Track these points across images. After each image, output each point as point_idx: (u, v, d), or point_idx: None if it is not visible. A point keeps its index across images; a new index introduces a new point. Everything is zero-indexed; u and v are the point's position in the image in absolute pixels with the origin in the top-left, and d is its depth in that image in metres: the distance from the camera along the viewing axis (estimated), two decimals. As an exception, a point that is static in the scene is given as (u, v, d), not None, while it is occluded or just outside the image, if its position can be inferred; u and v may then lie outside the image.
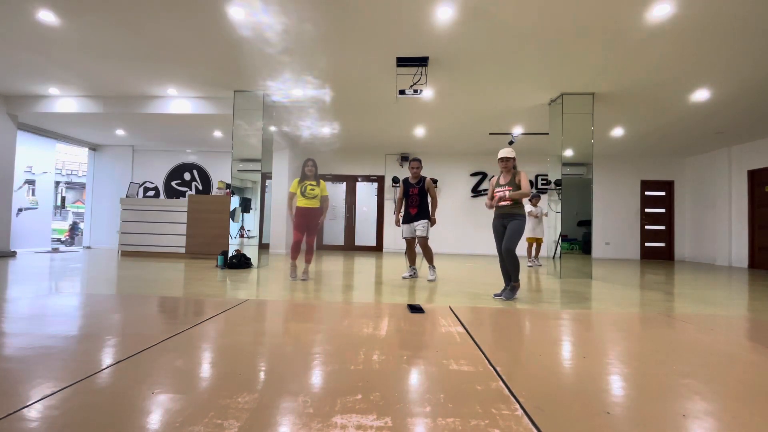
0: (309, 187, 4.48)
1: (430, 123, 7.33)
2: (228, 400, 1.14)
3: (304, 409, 1.10)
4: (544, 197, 9.46)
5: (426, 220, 4.68)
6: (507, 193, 3.64)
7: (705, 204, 9.20)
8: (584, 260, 5.60)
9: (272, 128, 6.49)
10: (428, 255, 4.78)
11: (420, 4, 3.57)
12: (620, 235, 9.88)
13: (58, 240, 12.41)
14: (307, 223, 4.49)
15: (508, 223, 3.63)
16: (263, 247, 6.15)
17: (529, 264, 7.13)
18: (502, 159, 3.68)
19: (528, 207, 7.32)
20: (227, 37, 4.25)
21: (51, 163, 8.97)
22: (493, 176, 3.89)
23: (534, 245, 7.24)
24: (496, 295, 3.69)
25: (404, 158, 10.11)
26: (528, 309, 3.03)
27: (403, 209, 4.89)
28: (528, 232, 7.15)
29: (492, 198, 3.76)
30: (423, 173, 10.74)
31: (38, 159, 8.58)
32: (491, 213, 9.98)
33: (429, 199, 4.76)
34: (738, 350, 1.84)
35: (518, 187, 3.59)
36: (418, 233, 4.67)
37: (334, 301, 3.14)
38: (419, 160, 4.74)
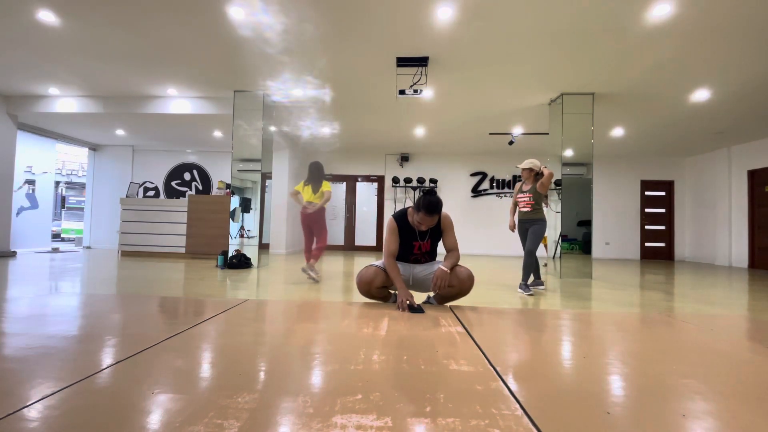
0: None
1: (430, 123, 7.33)
2: (228, 400, 1.14)
3: (304, 409, 1.10)
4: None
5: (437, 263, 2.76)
6: (529, 207, 4.07)
7: (705, 204, 9.20)
8: (584, 260, 5.60)
9: (272, 128, 6.49)
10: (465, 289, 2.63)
11: (420, 4, 3.57)
12: (620, 235, 9.88)
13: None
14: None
15: (529, 227, 4.03)
16: (263, 247, 6.15)
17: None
18: (521, 168, 4.14)
19: None
20: (227, 37, 4.25)
21: (51, 163, 8.97)
22: (519, 182, 4.28)
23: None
24: (531, 289, 3.91)
25: (404, 158, 10.09)
26: (528, 309, 3.03)
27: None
28: None
29: (515, 204, 4.28)
30: (419, 171, 10.60)
31: (38, 159, 8.58)
32: (490, 212, 10.00)
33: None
34: (738, 350, 1.84)
35: (538, 194, 4.01)
36: (438, 271, 2.51)
37: (334, 301, 3.13)
38: (438, 206, 2.47)
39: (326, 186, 4.61)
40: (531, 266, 3.92)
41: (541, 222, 4.01)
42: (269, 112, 6.17)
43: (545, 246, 7.24)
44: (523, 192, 4.13)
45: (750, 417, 1.13)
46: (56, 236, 13.04)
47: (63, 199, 16.08)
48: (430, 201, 2.45)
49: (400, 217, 2.66)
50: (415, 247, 2.68)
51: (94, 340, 1.74)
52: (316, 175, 4.66)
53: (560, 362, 1.59)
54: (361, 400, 1.17)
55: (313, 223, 4.58)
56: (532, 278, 4.17)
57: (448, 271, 2.52)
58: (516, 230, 4.29)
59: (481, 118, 6.92)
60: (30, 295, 3.05)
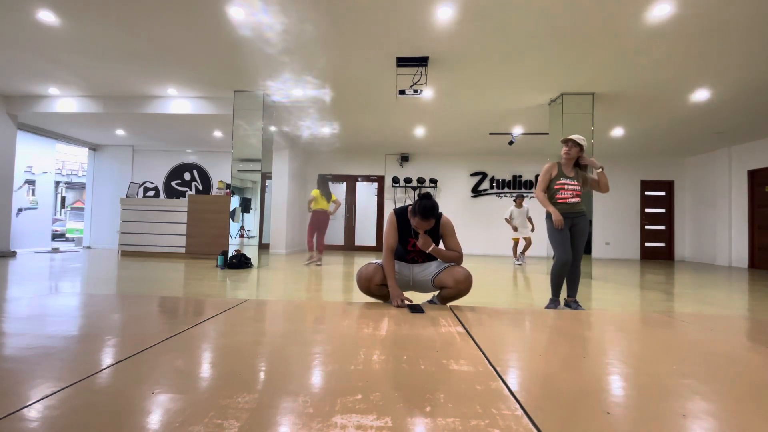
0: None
1: (430, 123, 7.33)
2: (228, 400, 1.14)
3: (304, 409, 1.10)
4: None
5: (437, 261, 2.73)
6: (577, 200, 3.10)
7: (705, 204, 9.20)
8: (584, 260, 5.58)
9: (272, 128, 6.49)
10: (463, 290, 2.61)
11: (420, 4, 3.57)
12: (620, 235, 9.88)
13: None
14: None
15: (577, 224, 3.10)
16: (263, 247, 6.15)
17: (518, 263, 7.23)
18: (567, 141, 3.14)
19: (512, 208, 7.39)
20: (227, 37, 4.25)
21: (51, 163, 8.97)
22: (548, 164, 3.21)
23: (522, 244, 7.35)
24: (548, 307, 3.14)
25: (404, 158, 10.09)
26: (528, 309, 3.03)
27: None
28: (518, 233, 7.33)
29: (545, 190, 3.18)
30: (419, 171, 10.66)
31: (38, 159, 8.58)
32: (490, 212, 9.97)
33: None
34: (738, 350, 1.84)
35: (586, 185, 3.18)
36: (434, 269, 2.67)
37: (334, 301, 3.13)
38: (434, 210, 2.47)
39: (333, 196, 6.24)
40: (579, 277, 3.13)
41: (586, 217, 3.13)
42: (269, 112, 6.17)
43: (527, 245, 7.28)
44: (568, 177, 3.12)
45: (750, 417, 1.13)
46: (60, 236, 13.07)
47: (63, 199, 16.11)
48: (425, 206, 2.47)
49: (401, 212, 2.72)
50: (409, 244, 2.72)
51: (94, 340, 1.74)
52: (327, 187, 6.14)
53: (560, 362, 1.58)
54: (361, 400, 1.17)
55: (323, 224, 6.05)
56: (554, 294, 3.18)
57: (432, 243, 2.60)
58: (553, 226, 3.08)
59: (481, 118, 6.92)
60: (30, 295, 3.05)
